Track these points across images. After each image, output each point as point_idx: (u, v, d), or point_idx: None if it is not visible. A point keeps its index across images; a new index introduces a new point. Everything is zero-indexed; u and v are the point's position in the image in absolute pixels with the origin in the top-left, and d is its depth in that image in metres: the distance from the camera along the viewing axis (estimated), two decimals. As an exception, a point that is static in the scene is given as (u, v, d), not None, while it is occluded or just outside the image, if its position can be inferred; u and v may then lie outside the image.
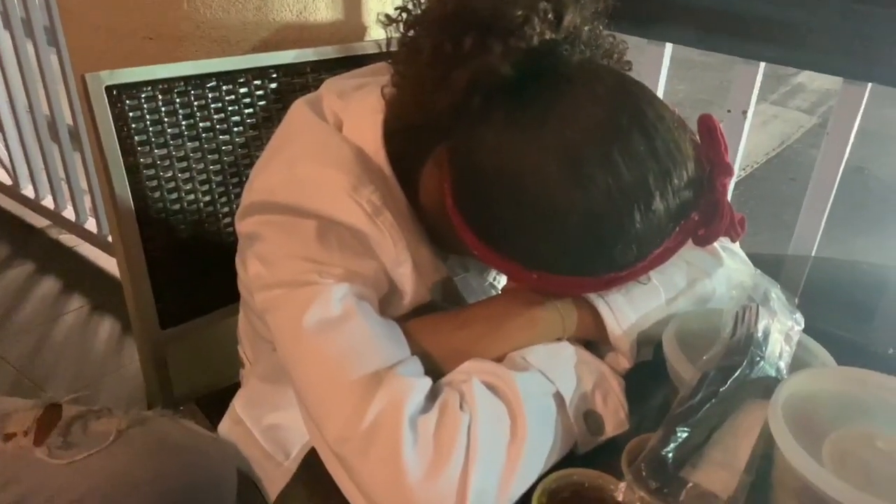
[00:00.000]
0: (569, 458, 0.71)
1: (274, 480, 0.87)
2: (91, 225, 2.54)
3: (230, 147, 1.17)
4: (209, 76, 1.13)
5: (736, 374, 0.68)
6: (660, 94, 1.53)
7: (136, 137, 1.06)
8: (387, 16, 0.77)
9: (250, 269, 0.78)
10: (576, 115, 0.65)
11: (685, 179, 0.66)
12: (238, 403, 0.96)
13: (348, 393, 0.65)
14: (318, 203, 0.73)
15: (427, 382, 0.68)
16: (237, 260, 0.90)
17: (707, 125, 0.69)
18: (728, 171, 0.69)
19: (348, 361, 0.67)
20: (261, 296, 0.76)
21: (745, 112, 1.41)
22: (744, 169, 3.96)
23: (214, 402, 1.12)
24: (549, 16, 0.69)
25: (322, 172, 0.74)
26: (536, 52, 0.68)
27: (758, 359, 0.69)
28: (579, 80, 0.68)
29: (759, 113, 4.76)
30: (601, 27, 0.77)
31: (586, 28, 0.74)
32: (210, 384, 1.22)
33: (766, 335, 0.72)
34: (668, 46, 1.48)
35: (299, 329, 0.70)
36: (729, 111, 1.44)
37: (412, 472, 0.61)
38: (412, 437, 0.62)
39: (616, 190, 0.63)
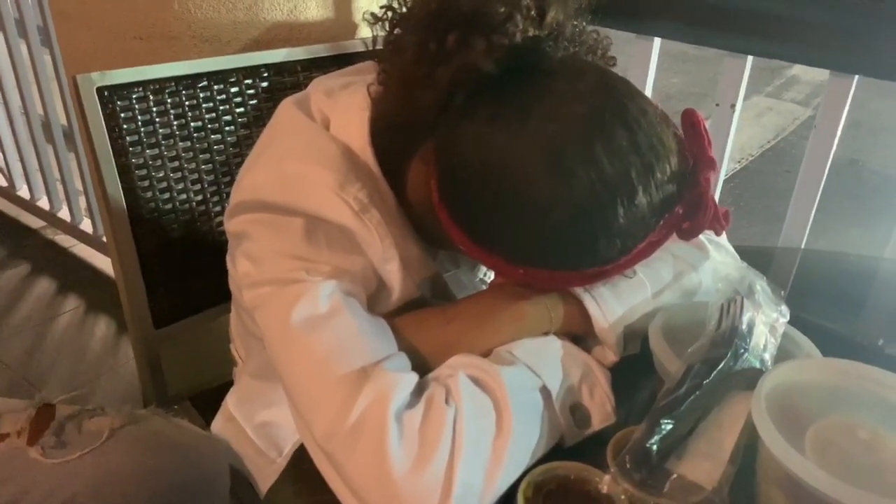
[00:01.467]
0: (555, 451, 0.71)
1: (266, 477, 0.88)
2: (86, 225, 2.54)
3: (221, 146, 1.17)
4: (200, 76, 1.13)
5: (720, 366, 0.68)
6: (649, 88, 1.53)
7: (128, 138, 1.07)
8: (372, 14, 0.78)
9: (239, 267, 0.79)
10: (558, 110, 0.66)
11: (668, 173, 0.67)
12: (230, 401, 0.96)
13: (335, 389, 0.66)
14: (306, 201, 0.73)
15: (413, 377, 0.69)
16: (227, 258, 0.90)
17: (690, 120, 0.70)
18: (711, 165, 0.69)
19: (335, 358, 0.68)
20: (250, 294, 0.76)
21: (733, 106, 1.42)
22: (738, 162, 3.96)
23: (208, 399, 1.12)
24: (532, 12, 0.70)
25: (309, 170, 0.74)
26: (519, 48, 0.68)
27: (742, 351, 0.70)
28: (562, 76, 0.69)
29: (754, 105, 4.76)
30: (585, 23, 0.77)
31: (570, 24, 0.74)
32: (204, 382, 1.22)
33: (751, 327, 0.72)
34: (657, 41, 1.48)
35: (287, 326, 0.70)
36: (717, 105, 1.44)
37: (398, 466, 0.61)
38: (398, 432, 0.63)
39: (599, 184, 0.64)
